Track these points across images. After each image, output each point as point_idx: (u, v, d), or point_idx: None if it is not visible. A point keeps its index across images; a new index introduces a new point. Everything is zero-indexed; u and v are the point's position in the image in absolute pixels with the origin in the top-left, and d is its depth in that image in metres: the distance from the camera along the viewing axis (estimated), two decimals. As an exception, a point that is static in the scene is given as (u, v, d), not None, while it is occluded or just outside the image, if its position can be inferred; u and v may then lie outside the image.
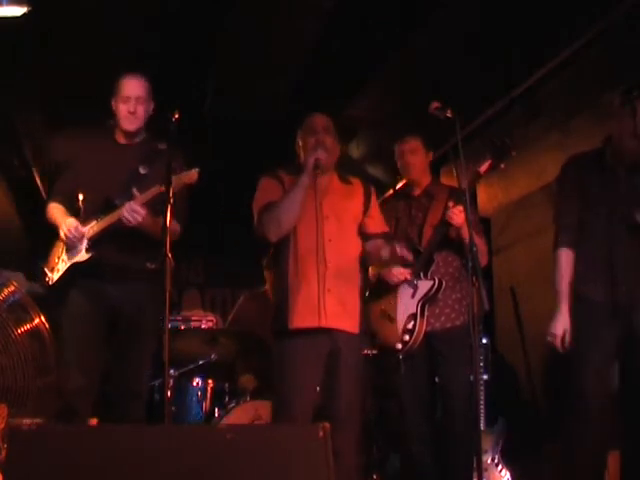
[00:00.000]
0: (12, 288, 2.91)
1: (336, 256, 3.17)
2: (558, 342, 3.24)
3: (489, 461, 3.90)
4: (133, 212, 3.14)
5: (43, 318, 2.88)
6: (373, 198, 3.39)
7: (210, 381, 4.45)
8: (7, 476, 1.98)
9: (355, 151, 6.35)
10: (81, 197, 3.35)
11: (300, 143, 3.35)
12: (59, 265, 3.33)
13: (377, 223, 3.38)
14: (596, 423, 3.15)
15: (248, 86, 5.16)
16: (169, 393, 3.22)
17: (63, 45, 4.40)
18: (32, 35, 4.32)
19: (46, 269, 3.35)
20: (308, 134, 3.30)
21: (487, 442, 3.88)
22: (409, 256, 3.35)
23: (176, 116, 2.95)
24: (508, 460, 3.94)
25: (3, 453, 2.16)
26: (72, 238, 3.25)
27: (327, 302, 3.10)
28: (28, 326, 2.85)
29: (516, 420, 4.15)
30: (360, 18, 4.32)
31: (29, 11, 4.03)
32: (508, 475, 3.89)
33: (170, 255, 2.80)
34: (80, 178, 3.36)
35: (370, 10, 4.22)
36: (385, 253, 3.29)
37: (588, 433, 3.15)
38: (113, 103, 3.38)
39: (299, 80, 4.99)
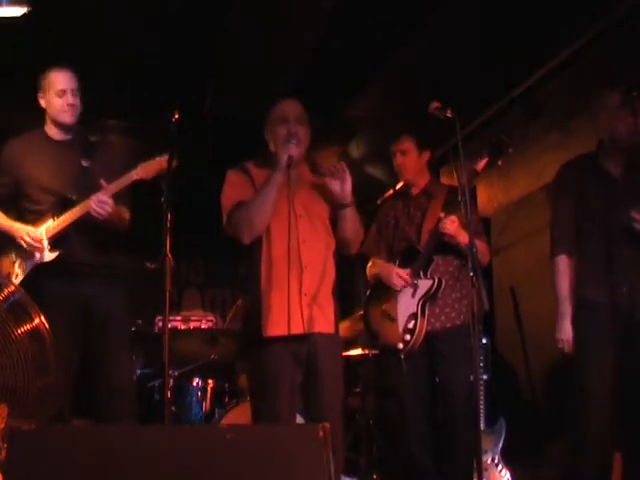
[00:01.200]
0: (12, 288, 2.90)
1: (311, 257, 3.01)
2: (568, 347, 3.25)
3: (489, 461, 3.90)
4: (102, 204, 3.12)
5: (43, 318, 2.87)
6: None
7: (210, 381, 4.46)
8: (7, 476, 1.98)
9: (355, 151, 6.35)
10: (28, 199, 3.31)
11: (270, 132, 3.13)
12: (17, 270, 3.28)
13: None
14: (598, 423, 3.15)
15: (248, 86, 5.16)
16: (169, 393, 3.22)
17: (63, 45, 4.40)
18: (32, 35, 4.32)
19: None
20: (279, 123, 3.08)
21: (487, 442, 3.87)
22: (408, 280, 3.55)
23: (176, 116, 2.94)
24: (508, 460, 3.94)
25: (3, 453, 2.16)
26: (32, 244, 3.21)
27: (304, 307, 2.93)
28: (28, 326, 2.83)
29: (516, 420, 4.15)
30: (360, 18, 4.31)
31: (29, 11, 4.03)
32: (508, 475, 3.89)
33: (170, 255, 2.79)
34: (25, 180, 3.31)
35: (370, 10, 4.22)
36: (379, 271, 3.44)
37: (590, 433, 3.16)
38: (42, 99, 3.34)
39: (299, 80, 4.98)
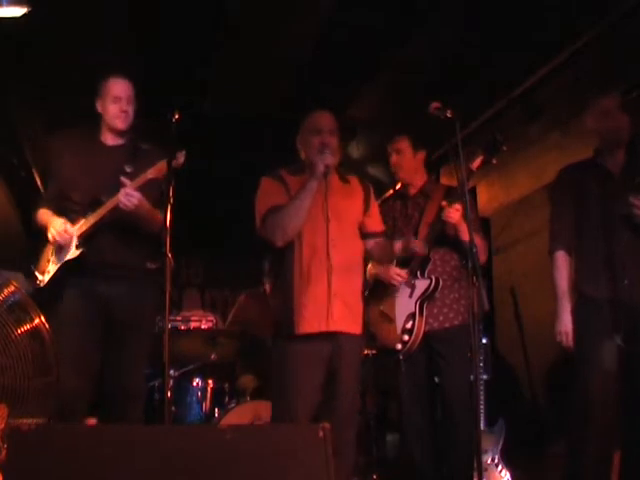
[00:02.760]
0: (12, 288, 2.91)
1: (341, 259, 3.12)
2: (568, 339, 3.26)
3: (489, 461, 3.90)
4: (128, 196, 3.16)
5: (43, 318, 2.87)
6: (372, 197, 3.37)
7: (210, 381, 4.46)
8: (7, 476, 1.98)
9: (355, 151, 6.35)
10: (70, 199, 3.37)
11: (302, 141, 3.29)
12: (49, 267, 3.35)
13: (376, 222, 3.38)
14: (599, 422, 3.16)
15: (248, 85, 5.16)
16: (169, 393, 3.22)
17: (63, 45, 4.40)
18: (32, 35, 4.32)
19: (37, 272, 3.37)
20: (312, 134, 3.24)
21: (487, 442, 3.87)
22: (422, 249, 3.52)
23: (176, 116, 2.95)
24: (508, 460, 3.94)
25: (3, 453, 2.16)
26: (61, 239, 3.28)
27: (334, 306, 3.05)
28: (28, 326, 2.84)
29: (516, 420, 4.15)
30: (360, 18, 4.32)
31: (29, 11, 4.03)
32: (508, 475, 3.89)
33: (170, 255, 2.79)
34: (68, 181, 3.38)
35: (370, 10, 4.22)
36: (399, 246, 3.47)
37: (590, 432, 3.16)
38: (99, 104, 3.43)
39: (299, 80, 4.98)
